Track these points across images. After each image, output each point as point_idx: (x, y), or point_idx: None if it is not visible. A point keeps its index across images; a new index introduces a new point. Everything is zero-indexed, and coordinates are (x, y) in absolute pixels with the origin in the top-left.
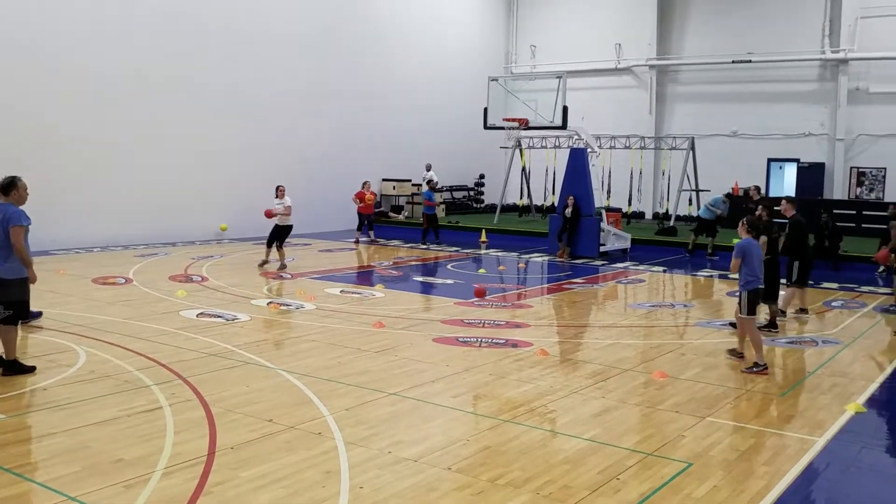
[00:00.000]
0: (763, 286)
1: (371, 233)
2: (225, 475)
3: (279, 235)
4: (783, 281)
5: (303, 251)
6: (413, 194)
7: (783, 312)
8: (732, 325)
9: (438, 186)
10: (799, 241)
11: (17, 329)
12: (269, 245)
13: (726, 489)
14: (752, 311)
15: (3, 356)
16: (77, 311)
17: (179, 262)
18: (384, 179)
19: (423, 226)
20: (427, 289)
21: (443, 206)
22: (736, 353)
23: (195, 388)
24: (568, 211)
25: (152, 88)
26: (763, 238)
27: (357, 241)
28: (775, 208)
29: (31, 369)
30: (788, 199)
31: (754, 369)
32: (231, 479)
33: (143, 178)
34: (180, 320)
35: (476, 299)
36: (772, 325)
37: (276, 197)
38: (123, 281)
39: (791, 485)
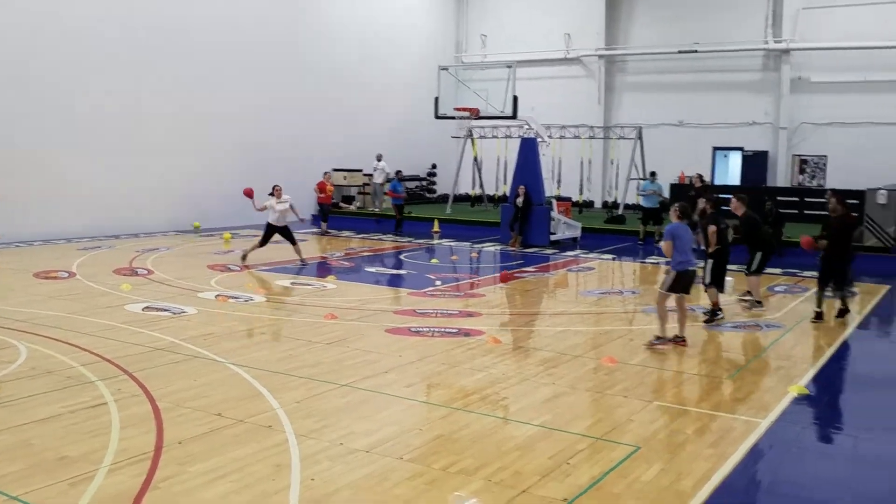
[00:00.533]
0: (693, 269)
1: (322, 223)
2: (173, 470)
3: (276, 233)
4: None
5: (252, 242)
6: (364, 184)
7: (759, 303)
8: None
9: (390, 177)
10: (754, 236)
11: None
12: (263, 244)
13: (673, 472)
14: (673, 289)
15: None
16: (18, 307)
17: (124, 255)
18: (335, 169)
19: (396, 217)
20: (379, 279)
21: None
22: (678, 339)
23: (141, 383)
24: (519, 200)
25: (94, 82)
26: (711, 227)
27: (323, 230)
28: (723, 208)
29: None
30: (738, 197)
31: (656, 342)
32: (179, 474)
33: (85, 170)
34: (125, 314)
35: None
36: (714, 313)
37: (275, 197)
38: (66, 275)
39: (736, 466)
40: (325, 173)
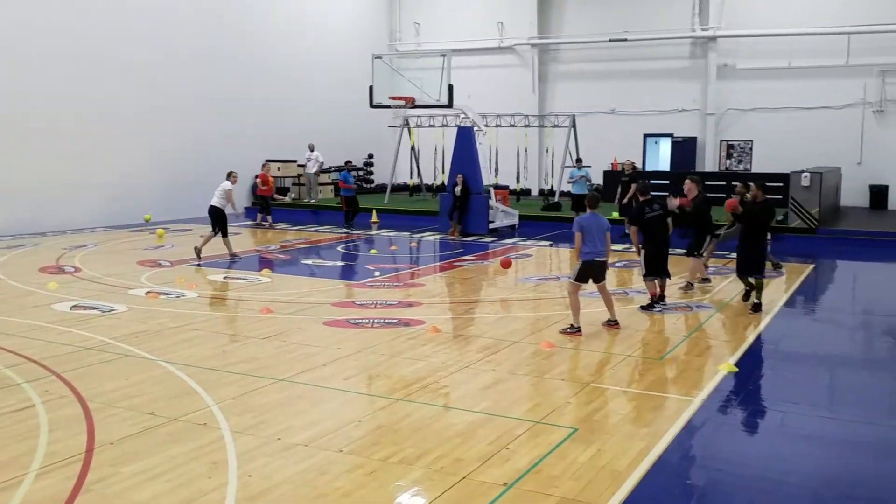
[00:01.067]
0: (600, 259)
1: (269, 217)
2: (105, 472)
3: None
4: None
5: (183, 237)
6: (299, 175)
7: (690, 285)
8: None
9: (325, 167)
10: (704, 218)
11: None
12: (223, 234)
13: (610, 451)
14: (580, 279)
15: None
16: None
17: (50, 253)
18: (268, 160)
19: (344, 209)
20: (316, 271)
21: (331, 187)
22: (610, 322)
23: (70, 383)
24: (457, 189)
25: (14, 76)
26: (632, 227)
27: (270, 224)
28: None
29: None
30: (692, 179)
31: (569, 330)
32: (111, 475)
33: (5, 166)
34: (52, 314)
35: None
36: (661, 299)
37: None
38: None
39: (671, 443)
40: (264, 164)
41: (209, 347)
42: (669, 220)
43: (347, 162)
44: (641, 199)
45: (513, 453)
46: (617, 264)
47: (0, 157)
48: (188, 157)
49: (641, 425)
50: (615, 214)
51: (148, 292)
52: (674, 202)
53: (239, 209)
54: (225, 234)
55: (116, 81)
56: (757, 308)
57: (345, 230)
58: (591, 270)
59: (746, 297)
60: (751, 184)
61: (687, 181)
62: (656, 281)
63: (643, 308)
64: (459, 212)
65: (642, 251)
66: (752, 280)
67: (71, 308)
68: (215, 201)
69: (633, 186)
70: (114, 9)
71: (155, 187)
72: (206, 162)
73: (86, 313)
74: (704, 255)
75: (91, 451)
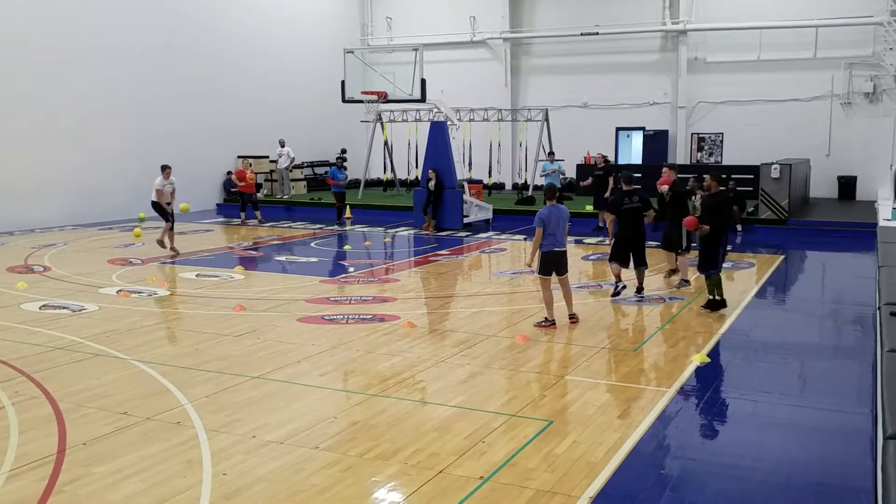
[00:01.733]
0: (560, 250)
1: (258, 213)
2: (77, 473)
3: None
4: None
5: (153, 235)
6: (271, 171)
7: (686, 282)
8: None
9: (297, 162)
10: (677, 210)
11: None
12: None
13: (585, 443)
14: (545, 271)
15: None
16: None
17: (19, 252)
18: (240, 157)
19: (337, 205)
20: (290, 268)
21: (304, 183)
22: (570, 317)
23: (40, 384)
24: (431, 184)
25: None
26: (609, 217)
27: (244, 222)
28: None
29: None
30: (670, 166)
31: (543, 323)
32: (84, 476)
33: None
34: (21, 314)
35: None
36: (639, 290)
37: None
38: None
39: (645, 434)
40: (243, 160)
41: (182, 346)
42: (648, 213)
43: (338, 158)
44: (625, 188)
45: (489, 447)
46: (591, 257)
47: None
48: (157, 155)
49: (616, 416)
50: (589, 208)
51: (119, 291)
52: (663, 187)
53: (176, 207)
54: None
55: (84, 79)
56: (713, 306)
57: (337, 226)
58: (552, 261)
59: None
60: (705, 176)
61: (664, 170)
62: (620, 267)
63: (613, 296)
64: (433, 206)
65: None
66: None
67: (40, 308)
68: (152, 196)
69: (611, 179)
70: (80, 5)
71: (124, 185)
72: (176, 159)
73: (56, 313)
74: (685, 250)
75: (63, 452)
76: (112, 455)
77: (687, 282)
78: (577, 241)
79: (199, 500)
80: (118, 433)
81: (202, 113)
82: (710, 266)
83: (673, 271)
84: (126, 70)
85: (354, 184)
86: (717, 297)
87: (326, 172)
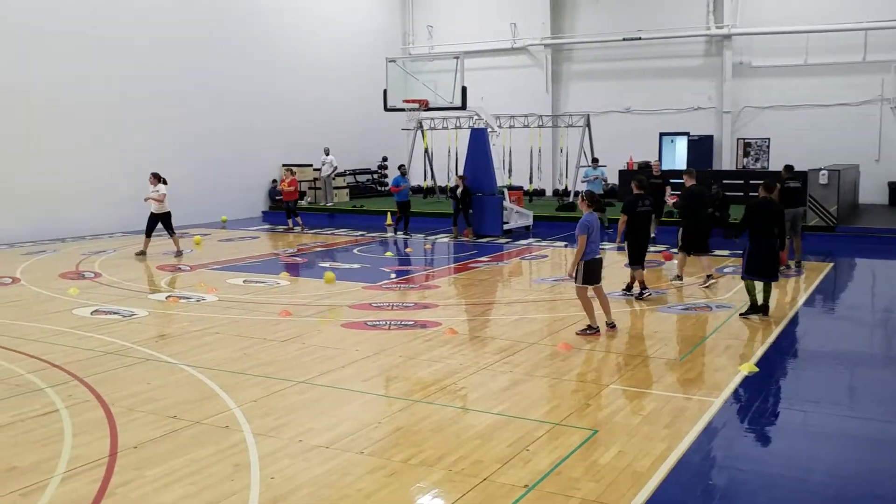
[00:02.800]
0: (598, 257)
1: (298, 219)
2: (129, 476)
3: (159, 222)
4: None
5: (202, 242)
6: (314, 179)
7: (679, 277)
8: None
9: (339, 171)
10: (686, 209)
11: None
12: (148, 235)
13: (631, 453)
14: (587, 280)
15: None
16: None
17: (70, 258)
18: (284, 165)
19: (397, 214)
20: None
21: (346, 191)
22: (608, 325)
23: (93, 388)
24: (458, 191)
25: (36, 83)
26: (622, 217)
27: (291, 228)
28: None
29: None
30: (687, 170)
31: (587, 332)
32: (135, 479)
33: (27, 172)
34: (74, 319)
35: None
36: (629, 288)
37: (151, 184)
38: (10, 281)
39: (692, 445)
40: (286, 168)
41: (230, 350)
42: (653, 216)
43: (401, 166)
44: (637, 192)
45: (533, 455)
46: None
47: (20, 164)
48: (204, 163)
49: (662, 427)
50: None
51: (168, 296)
52: (670, 200)
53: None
54: (149, 235)
55: (134, 89)
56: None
57: (402, 235)
58: (594, 269)
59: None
60: (692, 169)
61: (684, 173)
62: (640, 269)
63: (638, 297)
64: (463, 213)
65: (625, 242)
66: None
67: (91, 313)
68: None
69: (668, 187)
70: (131, 12)
71: (171, 192)
72: (223, 167)
73: (106, 318)
74: (681, 249)
75: (115, 455)
76: (162, 458)
77: (679, 278)
78: (619, 249)
79: None
80: (168, 437)
81: (247, 122)
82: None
83: (709, 276)
84: (174, 80)
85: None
86: (758, 303)
87: (392, 180)
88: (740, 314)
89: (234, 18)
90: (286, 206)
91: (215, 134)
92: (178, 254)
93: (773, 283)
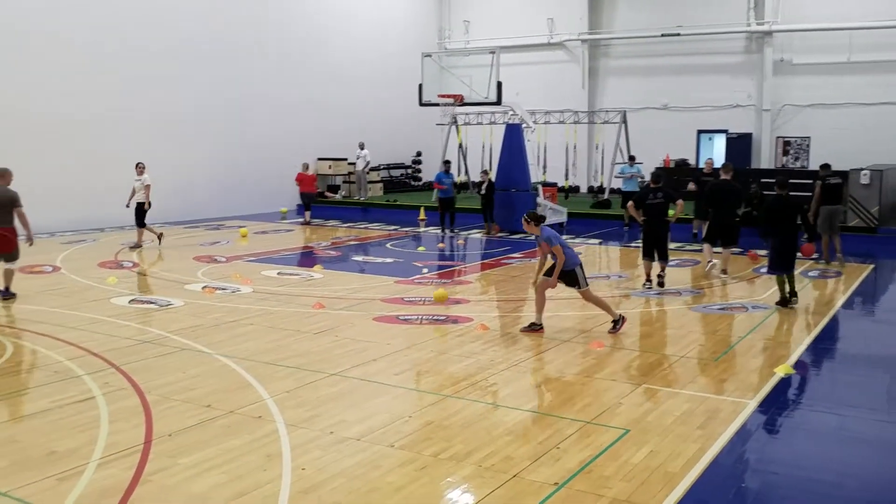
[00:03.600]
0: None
1: (307, 213)
2: (163, 463)
3: (143, 213)
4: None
5: (237, 234)
6: (349, 173)
7: (724, 271)
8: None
9: (373, 165)
10: (711, 203)
11: None
12: (140, 226)
13: (663, 453)
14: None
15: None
16: (2, 302)
17: (109, 248)
18: (319, 159)
19: (440, 211)
20: (366, 268)
21: (380, 185)
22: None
23: (129, 376)
24: (483, 186)
25: (79, 76)
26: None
27: (308, 222)
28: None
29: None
30: (724, 165)
31: (616, 328)
32: (170, 466)
33: (68, 163)
34: (112, 308)
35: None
36: (661, 283)
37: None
38: (51, 269)
39: (725, 447)
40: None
41: (264, 341)
42: (675, 207)
43: (446, 162)
44: (652, 185)
45: (563, 453)
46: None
47: (60, 155)
48: (240, 156)
49: (695, 427)
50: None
51: (204, 287)
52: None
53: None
54: (141, 226)
55: (173, 82)
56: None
57: (463, 234)
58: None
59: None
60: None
61: (718, 166)
62: (652, 263)
63: (644, 286)
64: (489, 209)
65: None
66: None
67: (129, 302)
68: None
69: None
70: (168, 9)
71: (208, 185)
72: (258, 160)
73: (144, 307)
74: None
75: (150, 443)
76: (196, 447)
77: (724, 271)
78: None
79: (278, 494)
80: (202, 426)
81: (283, 115)
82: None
83: (717, 267)
84: (210, 73)
85: (429, 186)
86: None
87: (436, 176)
88: (775, 302)
89: (272, 12)
90: (307, 199)
91: (252, 128)
92: (136, 246)
93: (812, 281)
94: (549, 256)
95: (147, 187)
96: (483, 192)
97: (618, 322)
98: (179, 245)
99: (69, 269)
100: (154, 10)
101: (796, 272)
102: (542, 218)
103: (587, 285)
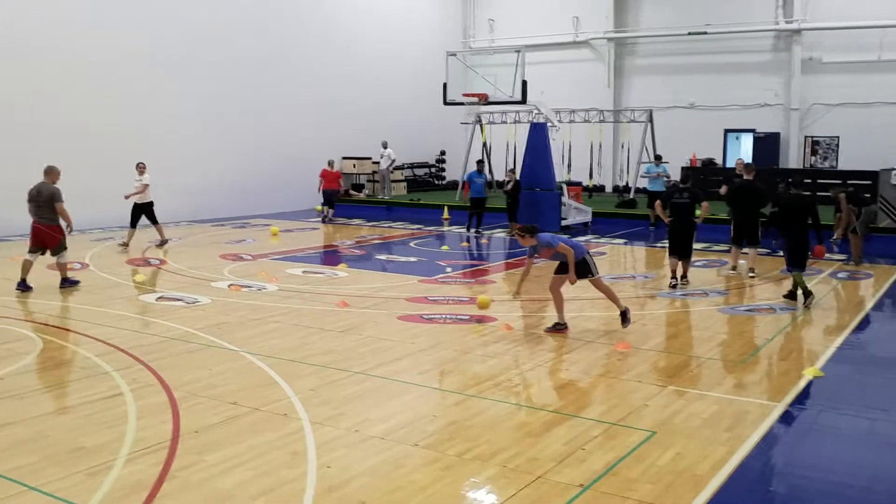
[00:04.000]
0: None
1: (328, 209)
2: (190, 459)
3: (143, 213)
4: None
5: (263, 232)
6: (373, 172)
7: (752, 271)
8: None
9: (398, 164)
10: (733, 203)
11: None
12: (133, 226)
13: (689, 456)
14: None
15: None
16: (33, 298)
17: (137, 245)
18: (344, 157)
19: (470, 210)
20: (390, 267)
21: (404, 184)
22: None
23: (156, 372)
24: (509, 185)
25: (108, 74)
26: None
27: (329, 218)
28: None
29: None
30: (746, 165)
31: (626, 321)
32: (196, 463)
33: (98, 161)
34: (139, 305)
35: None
36: (682, 278)
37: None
38: (80, 266)
39: (752, 450)
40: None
41: (289, 339)
42: (700, 208)
43: (479, 161)
44: (681, 185)
45: (589, 454)
46: (696, 263)
47: (89, 155)
48: (265, 156)
49: (722, 430)
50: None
51: (230, 285)
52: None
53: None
54: (134, 226)
55: (197, 83)
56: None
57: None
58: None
59: None
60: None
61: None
62: (677, 261)
63: (670, 288)
64: (514, 208)
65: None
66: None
67: (157, 299)
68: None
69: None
70: (197, 11)
71: (234, 183)
72: (284, 160)
73: (171, 304)
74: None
75: (176, 439)
76: (222, 443)
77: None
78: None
79: (303, 492)
80: (228, 422)
81: (307, 115)
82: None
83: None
84: (236, 73)
85: (453, 185)
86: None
87: (467, 176)
88: (804, 305)
89: (291, 10)
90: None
91: (278, 128)
92: (162, 243)
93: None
94: (536, 261)
95: (145, 186)
96: (509, 190)
97: (626, 314)
98: (206, 243)
99: (98, 266)
100: (186, 16)
101: (825, 273)
102: (535, 228)
103: (598, 273)
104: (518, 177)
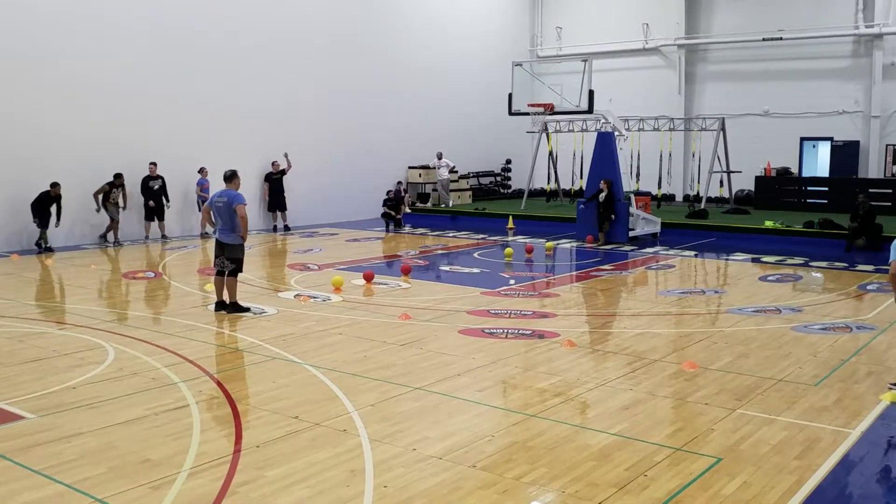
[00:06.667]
0: None
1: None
2: (250, 475)
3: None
4: None
5: (330, 241)
6: (437, 181)
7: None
8: None
9: (462, 172)
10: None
11: (236, 280)
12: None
13: (757, 485)
14: None
15: (227, 301)
16: (106, 307)
17: (209, 254)
18: (410, 167)
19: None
20: (453, 278)
21: (469, 193)
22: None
23: (222, 384)
24: (602, 195)
25: (179, 91)
26: None
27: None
28: None
29: (247, 309)
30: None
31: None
32: (256, 479)
33: (172, 172)
34: (208, 315)
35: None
36: None
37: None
38: (153, 275)
39: (824, 479)
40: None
41: (351, 352)
42: None
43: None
44: None
45: (651, 481)
46: (769, 278)
47: (170, 170)
48: (332, 167)
49: (792, 457)
50: (770, 223)
51: (297, 295)
52: None
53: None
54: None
55: (268, 94)
56: None
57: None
58: None
59: None
60: None
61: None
62: None
63: None
64: (602, 219)
65: None
66: None
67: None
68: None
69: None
70: (266, 20)
71: (299, 194)
72: (351, 169)
73: (238, 315)
74: None
75: (238, 454)
76: (282, 459)
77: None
78: (753, 260)
79: None
80: (289, 437)
81: (375, 124)
82: None
83: None
84: (303, 86)
85: (518, 194)
86: None
87: (493, 182)
88: None
89: (360, 21)
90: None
91: (342, 137)
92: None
93: None
94: None
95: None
96: (602, 200)
97: None
98: (275, 252)
99: (170, 276)
100: (259, 24)
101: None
102: None
103: None
104: (596, 186)
